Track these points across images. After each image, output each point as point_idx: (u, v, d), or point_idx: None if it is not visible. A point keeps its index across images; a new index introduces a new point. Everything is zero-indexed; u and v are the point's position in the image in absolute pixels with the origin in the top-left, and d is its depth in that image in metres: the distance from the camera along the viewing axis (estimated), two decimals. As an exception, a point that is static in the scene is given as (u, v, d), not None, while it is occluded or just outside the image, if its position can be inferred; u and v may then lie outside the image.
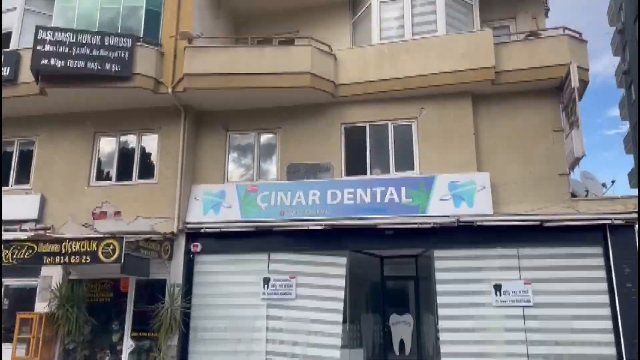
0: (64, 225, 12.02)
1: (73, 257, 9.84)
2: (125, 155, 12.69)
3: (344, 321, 11.22)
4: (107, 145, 12.87)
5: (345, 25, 13.44)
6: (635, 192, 29.12)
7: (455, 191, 11.02)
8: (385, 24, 12.49)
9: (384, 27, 12.46)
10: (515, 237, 10.65)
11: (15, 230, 11.88)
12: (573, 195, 11.07)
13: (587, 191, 11.51)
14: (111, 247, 9.80)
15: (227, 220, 11.72)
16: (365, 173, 11.93)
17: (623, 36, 32.76)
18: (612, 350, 9.96)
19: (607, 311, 10.12)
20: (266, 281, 11.46)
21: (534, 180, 11.06)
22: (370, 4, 12.69)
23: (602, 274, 10.28)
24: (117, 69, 11.39)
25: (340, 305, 11.10)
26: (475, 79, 11.34)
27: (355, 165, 12.06)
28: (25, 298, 11.92)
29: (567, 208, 10.73)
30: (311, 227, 11.17)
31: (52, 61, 11.25)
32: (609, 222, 10.28)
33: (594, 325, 10.14)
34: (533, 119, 11.49)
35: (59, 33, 11.43)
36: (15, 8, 13.10)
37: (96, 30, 11.88)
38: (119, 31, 11.95)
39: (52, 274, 11.60)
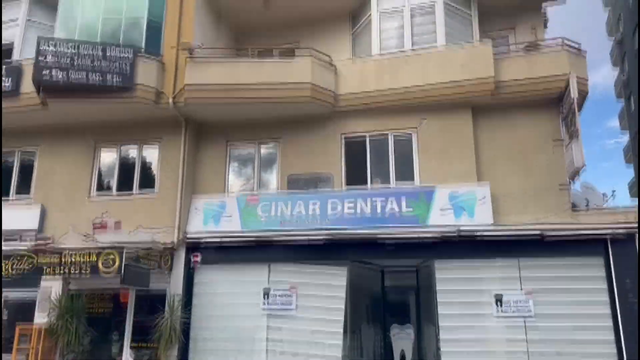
0: (64, 236, 11.99)
1: (73, 268, 9.84)
2: (125, 166, 12.72)
3: (345, 332, 11.17)
4: (108, 157, 12.91)
5: (346, 36, 13.53)
6: (635, 202, 29.09)
7: (456, 202, 11.02)
8: (385, 35, 12.56)
9: (383, 39, 12.53)
10: (515, 248, 10.63)
11: (15, 241, 11.86)
12: (573, 206, 11.07)
13: (587, 202, 11.49)
14: (111, 258, 9.80)
15: (227, 232, 11.71)
16: (365, 184, 11.94)
17: (622, 47, 32.92)
18: (613, 362, 9.91)
19: (608, 322, 10.07)
20: (266, 292, 11.43)
21: (534, 191, 11.06)
22: (370, 15, 12.77)
23: (604, 285, 10.25)
24: (118, 80, 11.44)
25: (340, 317, 11.06)
26: (475, 90, 11.39)
27: (355, 176, 12.07)
28: (25, 309, 11.84)
29: (568, 219, 10.71)
30: (311, 239, 11.16)
31: (54, 73, 11.30)
32: (609, 233, 10.26)
33: (595, 336, 10.08)
34: (533, 130, 11.52)
35: (61, 44, 11.49)
36: (17, 20, 13.20)
37: (98, 41, 11.95)
38: (121, 42, 12.01)
39: (52, 285, 11.53)
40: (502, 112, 11.70)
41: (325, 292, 11.26)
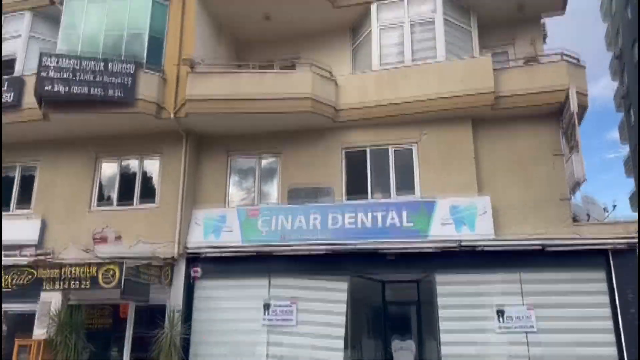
0: (65, 250, 11.98)
1: (73, 282, 9.83)
2: (126, 179, 12.73)
3: (346, 347, 11.08)
4: (109, 169, 12.93)
5: (346, 50, 13.61)
6: (636, 215, 29.02)
7: (457, 215, 11.00)
8: (385, 49, 12.62)
9: (384, 53, 12.59)
10: (517, 262, 10.59)
11: (15, 255, 11.85)
12: (575, 219, 11.05)
13: (588, 215, 11.49)
14: (111, 272, 9.78)
15: (228, 245, 11.68)
16: (366, 196, 11.93)
17: (621, 60, 33.09)
18: (616, 377, 9.83)
19: (611, 338, 9.98)
20: (267, 306, 11.37)
21: (535, 204, 11.04)
22: (370, 30, 12.85)
23: (606, 299, 10.18)
24: (119, 94, 11.49)
25: (341, 331, 10.99)
26: (475, 103, 11.42)
27: (356, 189, 12.07)
28: (24, 323, 11.80)
29: (569, 232, 10.69)
30: (312, 252, 11.13)
31: (56, 87, 11.35)
32: (611, 246, 10.23)
33: (598, 352, 9.99)
34: (533, 143, 11.53)
35: (63, 59, 11.56)
36: (19, 33, 13.30)
37: (100, 55, 12.02)
38: (123, 56, 12.07)
39: (51, 299, 11.50)
40: (502, 124, 11.72)
41: (326, 305, 11.19)
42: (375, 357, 12.77)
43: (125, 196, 12.54)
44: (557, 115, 11.48)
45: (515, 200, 11.11)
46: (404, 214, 11.20)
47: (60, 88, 11.36)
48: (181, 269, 11.67)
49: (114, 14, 12.53)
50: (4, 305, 11.72)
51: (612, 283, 10.17)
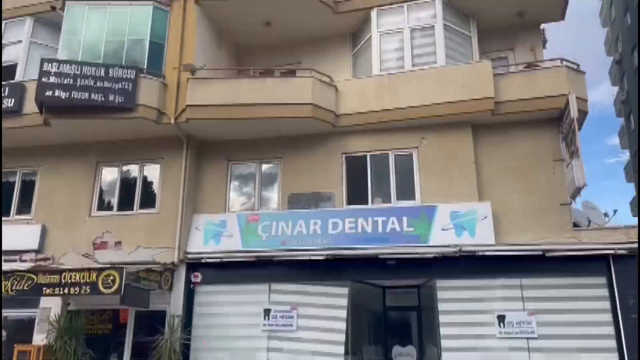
0: (65, 256, 11.97)
1: (73, 288, 9.79)
2: (127, 185, 12.74)
3: (346, 353, 11.05)
4: (109, 175, 12.93)
5: (346, 56, 13.66)
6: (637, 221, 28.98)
7: (457, 220, 11.00)
8: (385, 55, 12.66)
9: (384, 59, 12.63)
10: (517, 267, 10.57)
11: (15, 261, 11.83)
12: (575, 225, 11.04)
13: (589, 221, 11.49)
14: (111, 277, 9.75)
15: (228, 250, 11.67)
16: (366, 202, 11.93)
17: (621, 66, 33.17)
18: (618, 384, 9.79)
19: (612, 343, 9.94)
20: (267, 312, 11.34)
21: (535, 209, 11.04)
22: (371, 36, 12.89)
23: (607, 305, 10.15)
24: (120, 100, 11.51)
25: (341, 337, 10.95)
26: (475, 109, 11.44)
27: (356, 195, 12.07)
28: (24, 329, 11.79)
29: (570, 238, 10.68)
30: (312, 257, 11.12)
31: (57, 93, 11.38)
32: (611, 252, 10.21)
33: (599, 357, 9.94)
34: (533, 149, 11.54)
35: (64, 65, 11.59)
36: (21, 41, 13.35)
37: (101, 61, 12.06)
38: (124, 62, 12.11)
39: (51, 305, 11.49)
40: (503, 130, 11.73)
41: (326, 312, 11.16)
42: (376, 364, 12.73)
43: (126, 202, 12.54)
44: (557, 121, 11.50)
45: (515, 206, 11.11)
46: (405, 219, 11.20)
47: (61, 94, 11.39)
48: (181, 275, 11.66)
49: (115, 20, 12.58)
50: (3, 311, 11.71)
51: (613, 289, 10.14)
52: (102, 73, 11.58)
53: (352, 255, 11.08)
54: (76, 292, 9.76)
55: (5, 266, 11.23)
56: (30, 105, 12.09)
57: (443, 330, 10.66)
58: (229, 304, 11.66)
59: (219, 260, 11.60)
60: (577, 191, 10.58)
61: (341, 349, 10.86)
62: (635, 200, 31.19)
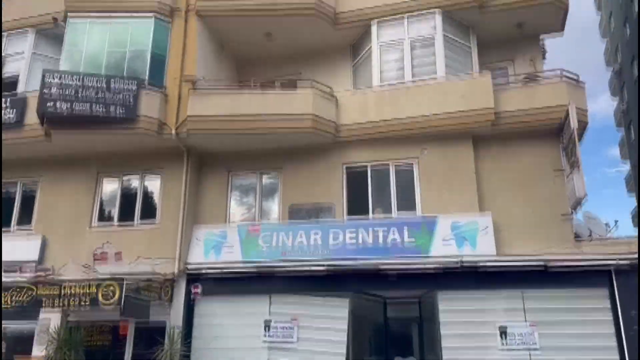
0: (65, 267, 11.93)
1: (72, 300, 9.77)
2: (127, 196, 12.74)
3: (347, 365, 11.00)
4: (110, 187, 12.94)
5: (347, 68, 13.72)
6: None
7: (458, 232, 10.98)
8: (386, 67, 12.71)
9: (384, 70, 12.67)
10: (519, 279, 10.52)
11: (15, 272, 11.79)
12: (576, 236, 11.02)
13: (590, 232, 11.45)
14: (111, 290, 9.74)
15: (228, 262, 11.64)
16: (367, 214, 11.92)
17: (621, 77, 33.26)
18: (620, 397, 9.72)
19: (615, 355, 9.88)
20: (267, 324, 11.29)
21: (536, 221, 11.02)
22: (371, 48, 12.94)
23: (609, 317, 10.10)
24: (121, 112, 11.55)
25: (342, 349, 10.90)
26: (475, 120, 11.48)
27: (357, 206, 12.07)
28: (23, 341, 11.69)
29: (571, 250, 10.65)
30: (313, 269, 11.08)
31: (58, 105, 11.42)
32: (613, 264, 10.18)
33: (602, 371, 9.90)
34: (534, 160, 11.55)
35: (66, 77, 11.64)
36: (23, 53, 13.42)
37: (102, 73, 12.11)
38: (125, 74, 12.17)
39: (51, 317, 11.39)
40: (503, 142, 11.75)
41: (327, 324, 11.12)
42: (377, 376, 12.63)
43: (126, 214, 12.53)
44: (557, 133, 11.52)
45: (516, 218, 11.09)
46: (405, 231, 11.18)
47: (62, 106, 11.42)
48: (181, 287, 11.62)
49: (117, 32, 12.65)
50: (3, 323, 11.65)
51: (615, 301, 10.10)
52: (104, 85, 11.62)
53: (353, 268, 11.05)
54: (76, 305, 9.74)
55: (5, 278, 11.21)
56: (31, 117, 12.13)
57: (445, 342, 10.60)
58: (229, 316, 11.61)
59: (219, 272, 11.57)
60: (577, 202, 10.59)
61: (342, 362, 10.78)
62: (636, 211, 31.13)
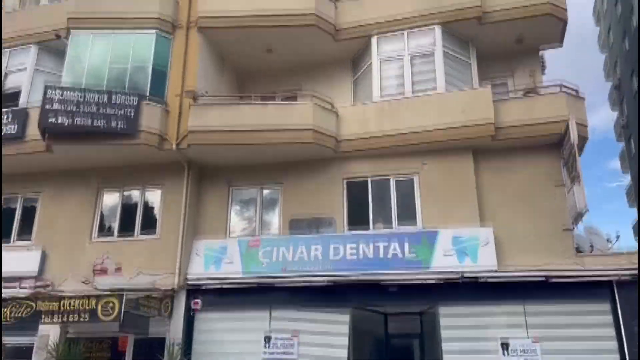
0: (65, 281, 11.89)
1: (72, 314, 9.72)
2: (128, 209, 12.73)
3: (348, 381, 10.90)
4: (111, 200, 12.94)
5: (347, 82, 13.77)
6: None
7: (459, 246, 10.94)
8: (386, 81, 12.76)
9: (384, 85, 12.72)
10: (521, 293, 10.48)
11: (14, 287, 11.76)
12: (578, 249, 10.97)
13: (591, 246, 11.41)
14: (111, 304, 9.69)
15: (228, 276, 11.59)
16: (367, 227, 11.89)
17: (620, 91, 33.38)
18: (624, 413, 9.61)
19: (618, 371, 9.81)
20: (267, 339, 11.21)
21: (537, 235, 10.99)
22: (371, 62, 13.00)
23: (611, 332, 10.03)
24: (122, 125, 11.59)
25: (343, 364, 10.80)
26: (475, 134, 11.50)
27: (357, 219, 12.04)
28: (22, 355, 11.63)
29: (573, 263, 10.60)
30: (313, 283, 11.03)
31: (60, 119, 11.46)
32: (615, 278, 10.13)
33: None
34: (534, 174, 11.55)
35: (67, 91, 11.71)
36: (25, 68, 13.49)
37: (104, 87, 12.17)
38: (127, 88, 12.24)
39: (50, 332, 11.35)
40: (503, 155, 11.76)
41: (327, 338, 11.04)
42: (378, 392, 12.51)
43: (127, 227, 12.51)
44: (557, 146, 11.53)
45: (517, 231, 11.06)
46: (406, 244, 11.15)
47: (63, 120, 11.47)
48: (181, 301, 11.56)
49: (119, 47, 12.74)
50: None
51: (618, 315, 10.03)
52: (105, 99, 11.68)
53: (354, 281, 11.00)
54: (75, 319, 9.68)
55: (5, 291, 11.16)
56: (33, 131, 12.16)
57: (446, 358, 10.51)
58: (229, 331, 11.53)
59: (219, 286, 11.53)
60: (578, 216, 10.57)
61: (343, 377, 10.70)
62: (637, 225, 31.04)
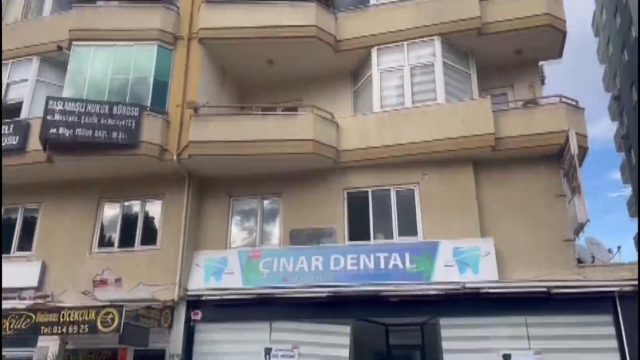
0: (64, 293, 11.85)
1: (71, 326, 9.66)
2: (128, 221, 12.72)
3: (348, 394, 10.82)
4: (111, 212, 12.94)
5: (347, 93, 13.81)
6: (642, 256, 28.64)
7: (460, 257, 10.92)
8: (386, 92, 12.80)
9: (384, 96, 12.76)
10: (522, 305, 10.42)
11: (14, 299, 11.72)
12: (579, 261, 10.94)
13: (593, 257, 11.38)
14: (110, 316, 9.64)
15: (228, 288, 11.56)
16: (368, 238, 11.88)
17: (620, 102, 33.48)
18: None
19: (621, 384, 9.74)
20: (268, 352, 11.13)
21: (538, 246, 10.96)
22: (371, 73, 13.05)
23: (614, 343, 9.97)
24: (123, 137, 11.62)
25: (344, 377, 10.73)
26: (475, 145, 11.51)
27: (358, 231, 12.03)
28: (21, 369, 11.59)
29: (574, 275, 10.56)
30: (314, 295, 10.99)
31: (61, 130, 11.49)
32: (617, 290, 10.09)
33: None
34: (535, 185, 11.55)
35: (69, 103, 11.75)
36: (27, 80, 13.56)
37: (105, 98, 12.22)
38: (128, 99, 12.29)
39: (49, 344, 11.27)
40: (504, 167, 11.77)
41: (328, 350, 10.98)
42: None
43: (127, 239, 12.50)
44: (558, 157, 11.54)
45: (518, 243, 11.04)
46: (407, 256, 11.12)
47: (65, 131, 11.50)
48: (181, 313, 11.51)
49: (120, 58, 12.81)
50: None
51: (620, 327, 9.98)
52: (106, 111, 11.72)
53: (354, 294, 10.96)
54: (74, 331, 9.62)
55: (4, 304, 11.11)
56: (34, 143, 12.19)
57: (448, 371, 10.44)
58: (229, 343, 11.47)
59: (219, 298, 11.48)
60: (580, 227, 10.54)
61: (343, 390, 10.62)
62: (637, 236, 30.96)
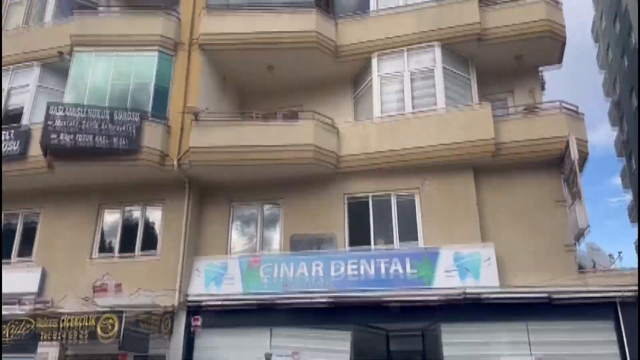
0: (64, 299, 11.83)
1: (71, 333, 9.64)
2: (128, 227, 12.71)
3: (349, 401, 10.77)
4: (111, 218, 12.93)
5: (348, 99, 13.84)
6: (643, 261, 28.62)
7: (461, 263, 10.90)
8: (386, 98, 12.82)
9: (384, 102, 12.78)
10: (523, 311, 10.39)
11: (14, 304, 11.69)
12: (580, 267, 10.92)
13: (594, 263, 11.36)
14: (110, 322, 9.63)
15: (229, 295, 11.53)
16: (368, 244, 11.87)
17: (620, 108, 33.53)
18: None
19: (623, 391, 9.70)
20: (268, 357, 11.07)
21: (539, 252, 10.95)
22: (371, 80, 13.08)
23: (615, 349, 9.94)
24: (124, 143, 11.63)
25: (344, 384, 10.69)
26: (476, 151, 11.52)
27: (358, 237, 12.02)
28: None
29: (575, 281, 10.54)
30: (314, 302, 10.96)
31: (61, 137, 11.51)
32: (618, 296, 10.06)
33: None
34: (535, 191, 11.55)
35: (70, 109, 11.78)
36: (28, 86, 13.58)
37: (106, 105, 12.25)
38: (129, 105, 12.31)
39: (49, 351, 11.22)
40: (504, 173, 11.78)
41: (329, 357, 10.93)
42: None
43: (127, 245, 12.49)
44: (558, 163, 11.54)
45: (519, 249, 11.02)
46: (408, 262, 11.11)
47: (65, 138, 11.51)
48: (181, 319, 11.49)
49: (121, 65, 12.85)
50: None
51: (621, 333, 9.95)
52: (107, 117, 11.74)
53: (355, 300, 10.93)
54: (74, 338, 9.60)
55: (4, 310, 11.09)
56: (34, 149, 12.20)
57: (449, 377, 10.40)
58: (229, 349, 11.43)
59: (219, 304, 11.45)
60: (580, 233, 10.53)
61: (344, 397, 10.58)
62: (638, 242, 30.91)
